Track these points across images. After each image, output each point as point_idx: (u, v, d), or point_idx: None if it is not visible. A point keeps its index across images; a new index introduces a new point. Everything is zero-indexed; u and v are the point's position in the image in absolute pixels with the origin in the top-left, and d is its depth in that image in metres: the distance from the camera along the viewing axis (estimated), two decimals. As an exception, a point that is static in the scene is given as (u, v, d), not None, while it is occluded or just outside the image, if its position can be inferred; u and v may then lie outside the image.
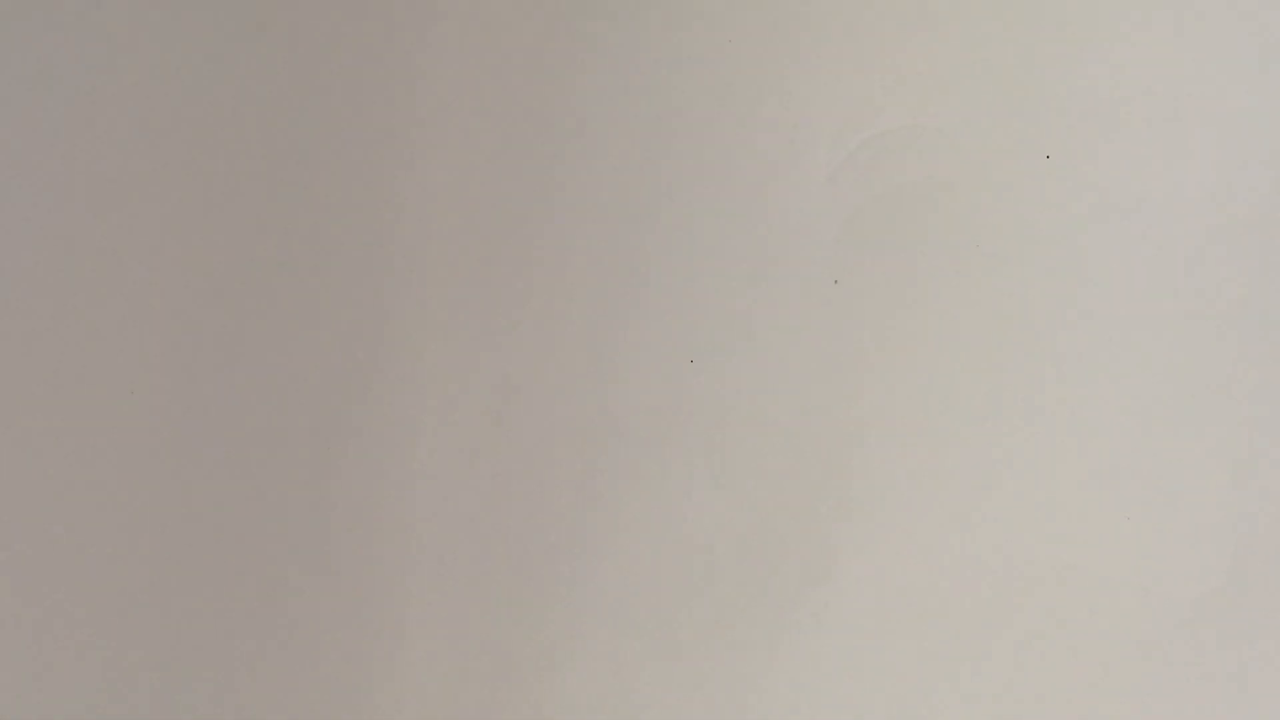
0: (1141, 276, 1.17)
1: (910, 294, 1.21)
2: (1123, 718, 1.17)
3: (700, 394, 1.25)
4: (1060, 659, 1.18)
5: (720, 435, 1.24)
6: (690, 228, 1.25)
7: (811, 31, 1.23)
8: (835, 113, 1.23)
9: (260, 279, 1.33)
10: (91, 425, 1.36)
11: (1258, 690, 1.15)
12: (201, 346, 1.34)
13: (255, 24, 1.35)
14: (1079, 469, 1.18)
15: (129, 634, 1.34)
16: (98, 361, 1.36)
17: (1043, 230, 1.19)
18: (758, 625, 1.23)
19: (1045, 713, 1.18)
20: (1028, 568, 1.19)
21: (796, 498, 1.23)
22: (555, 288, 1.28)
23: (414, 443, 1.30)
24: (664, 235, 1.26)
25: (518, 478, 1.28)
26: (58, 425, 1.36)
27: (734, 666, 1.24)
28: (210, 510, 1.33)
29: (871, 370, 1.22)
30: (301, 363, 1.32)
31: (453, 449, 1.30)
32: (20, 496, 1.36)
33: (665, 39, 1.26)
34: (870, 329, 1.22)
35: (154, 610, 1.34)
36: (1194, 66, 1.17)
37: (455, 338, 1.30)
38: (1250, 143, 1.16)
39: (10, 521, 1.36)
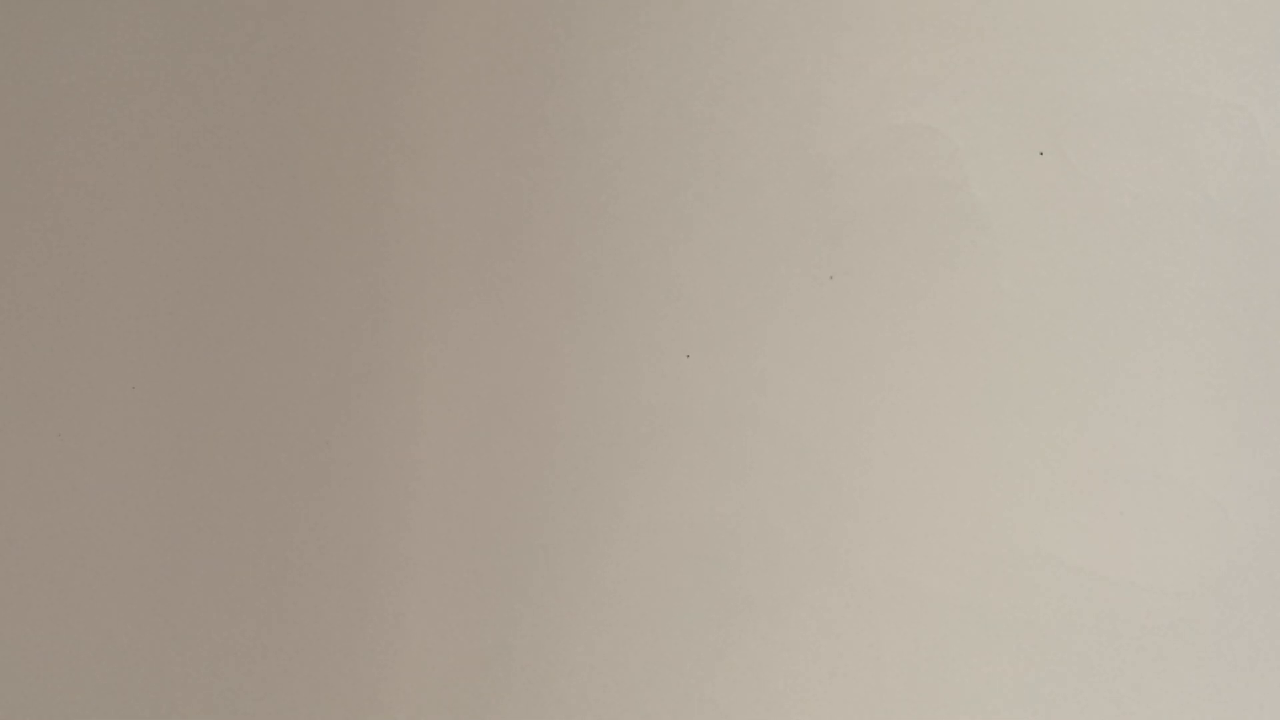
0: (1138, 274, 1.18)
1: (905, 290, 1.21)
2: (1120, 715, 1.17)
3: (697, 389, 1.25)
4: (1059, 656, 1.18)
5: (717, 430, 1.24)
6: (687, 224, 1.25)
7: (808, 31, 1.24)
8: (832, 110, 1.23)
9: (261, 278, 1.34)
10: (93, 422, 1.36)
11: (1254, 688, 1.15)
12: (203, 344, 1.34)
13: (256, 23, 1.35)
14: (1076, 466, 1.18)
15: (128, 630, 1.34)
16: (100, 358, 1.36)
17: (1037, 226, 1.19)
18: (756, 623, 1.23)
19: (1044, 710, 1.18)
20: (1026, 565, 1.19)
21: (794, 493, 1.23)
22: (553, 284, 1.28)
23: (413, 441, 1.30)
24: (661, 231, 1.26)
25: (515, 474, 1.28)
26: (59, 421, 1.36)
27: (733, 665, 1.24)
28: (210, 508, 1.33)
29: (867, 366, 1.22)
30: (302, 361, 1.32)
31: (451, 446, 1.30)
32: (19, 493, 1.36)
33: (663, 38, 1.27)
34: (866, 325, 1.22)
35: (153, 606, 1.34)
36: (1191, 65, 1.18)
37: (453, 334, 1.30)
38: (1249, 142, 1.17)
39: (9, 518, 1.36)
